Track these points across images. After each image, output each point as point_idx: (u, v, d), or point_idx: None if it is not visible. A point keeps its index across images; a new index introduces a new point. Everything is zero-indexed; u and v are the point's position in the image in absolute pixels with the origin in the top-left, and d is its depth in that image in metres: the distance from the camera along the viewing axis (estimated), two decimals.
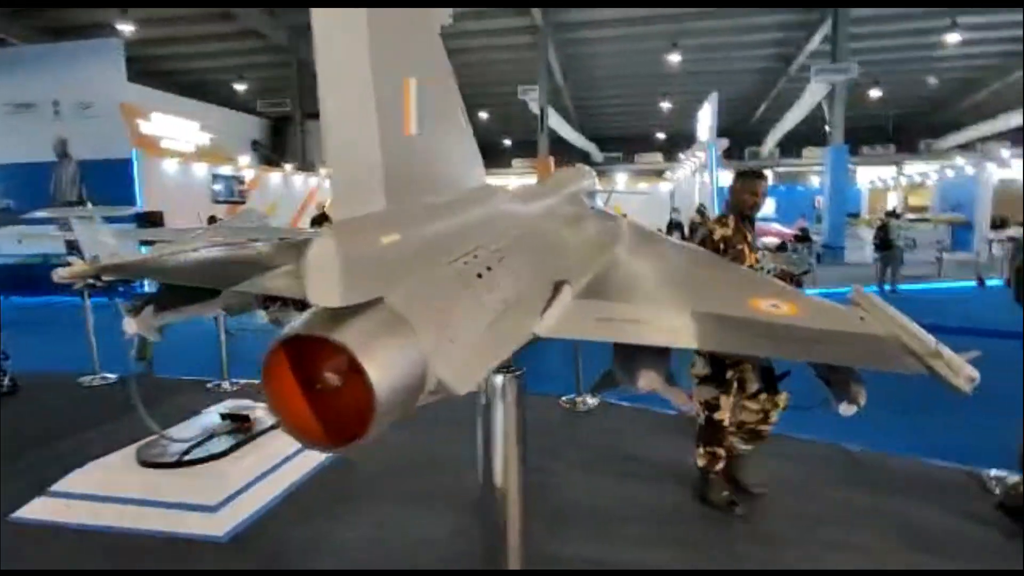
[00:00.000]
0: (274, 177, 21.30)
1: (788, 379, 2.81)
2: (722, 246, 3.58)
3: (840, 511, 3.68)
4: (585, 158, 32.99)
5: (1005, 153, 21.59)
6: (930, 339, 1.10)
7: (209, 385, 6.40)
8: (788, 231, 17.90)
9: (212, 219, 10.39)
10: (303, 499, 3.98)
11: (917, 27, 19.62)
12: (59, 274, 1.91)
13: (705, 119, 15.72)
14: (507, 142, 36.44)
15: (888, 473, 4.22)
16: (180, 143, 15.36)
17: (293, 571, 3.44)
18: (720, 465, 3.73)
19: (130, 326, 1.83)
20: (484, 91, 27.30)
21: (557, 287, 1.27)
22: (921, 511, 3.64)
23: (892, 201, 29.66)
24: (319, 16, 0.87)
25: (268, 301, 2.02)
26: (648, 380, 1.35)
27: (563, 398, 5.94)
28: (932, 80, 24.82)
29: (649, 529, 3.56)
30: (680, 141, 32.05)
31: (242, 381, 6.42)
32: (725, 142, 17.24)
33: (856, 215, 24.18)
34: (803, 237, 21.20)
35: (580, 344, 5.86)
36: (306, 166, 24.15)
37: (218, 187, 16.87)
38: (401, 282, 0.91)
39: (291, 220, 19.08)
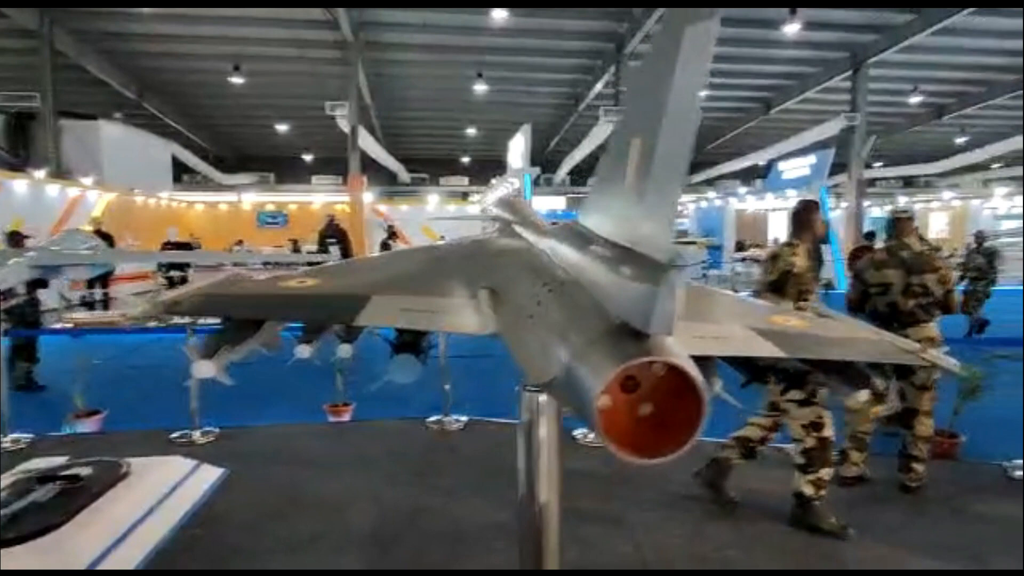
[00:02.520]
0: (17, 185, 17.50)
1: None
2: (800, 275, 3.74)
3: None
4: (392, 178, 32.94)
5: (741, 190, 26.74)
6: (910, 342, 1.51)
7: (174, 435, 5.52)
8: None
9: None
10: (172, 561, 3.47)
11: None
12: (129, 316, 1.52)
13: (517, 148, 16.86)
14: (307, 157, 34.77)
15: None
16: None
17: (294, 571, 3.40)
18: (824, 491, 3.68)
19: (204, 370, 1.53)
20: (286, 103, 25.83)
21: None
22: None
23: None
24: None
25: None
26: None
27: (430, 419, 5.96)
28: None
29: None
30: (486, 166, 33.73)
31: (215, 430, 5.61)
32: (537, 170, 18.65)
33: None
34: None
35: (447, 365, 5.97)
36: (62, 173, 20.26)
37: None
38: None
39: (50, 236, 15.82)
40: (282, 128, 29.27)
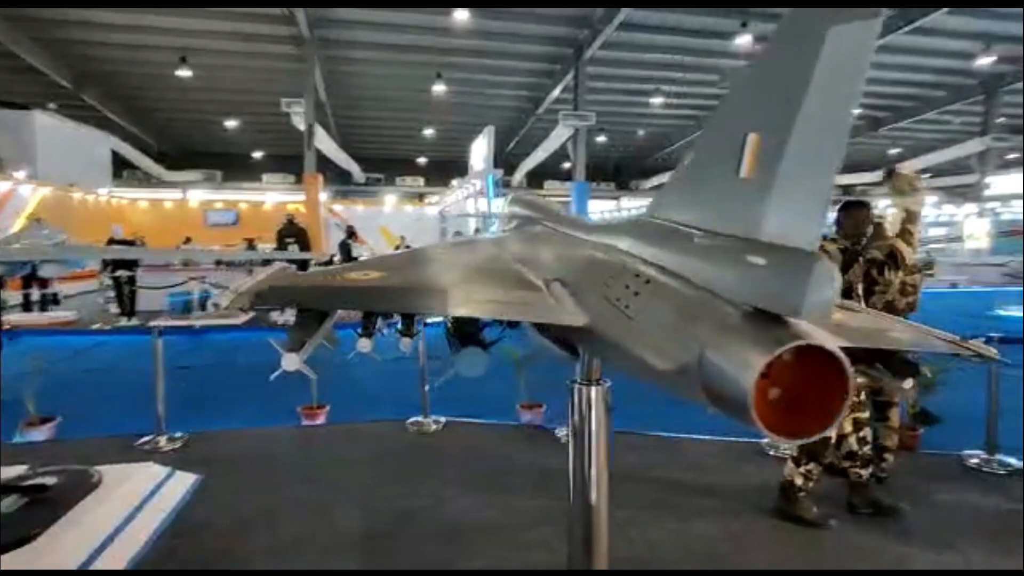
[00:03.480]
0: None
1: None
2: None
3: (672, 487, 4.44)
4: (347, 178, 32.34)
5: None
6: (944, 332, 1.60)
7: (140, 442, 5.25)
8: None
9: None
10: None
11: (633, 88, 23.95)
12: (219, 305, 1.41)
13: (480, 149, 16.86)
14: (257, 155, 33.75)
15: (695, 450, 5.20)
16: None
17: (293, 571, 3.35)
18: (812, 484, 3.80)
19: (291, 363, 1.45)
20: (236, 98, 24.99)
21: None
22: (724, 476, 4.61)
23: None
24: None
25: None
26: None
27: (409, 420, 5.89)
28: (641, 132, 30.46)
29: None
30: (444, 167, 33.58)
31: (182, 435, 5.36)
32: (500, 172, 18.69)
33: None
34: None
35: (426, 366, 5.91)
36: None
37: None
38: None
39: None
40: (231, 124, 28.29)
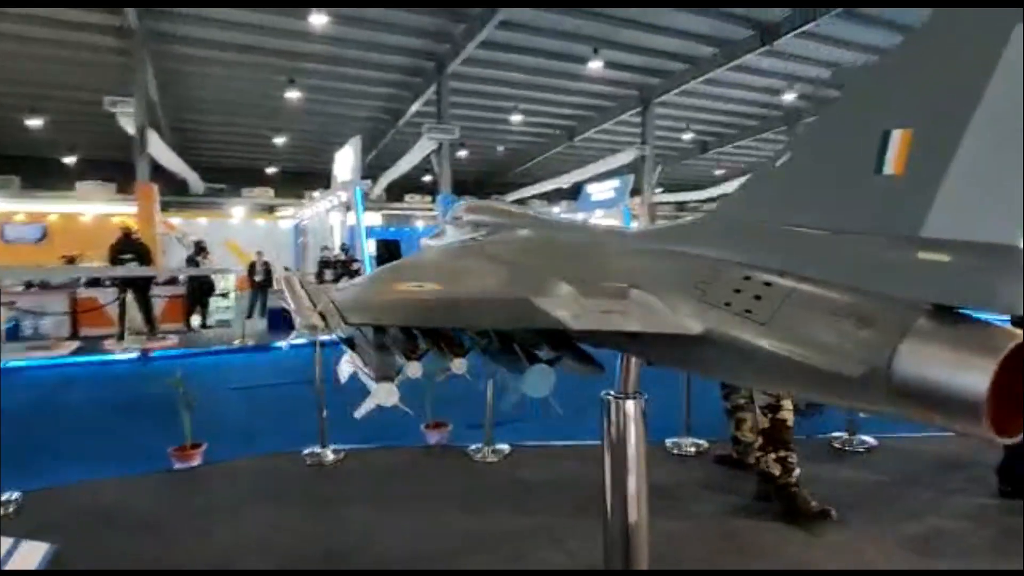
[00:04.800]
0: None
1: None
2: None
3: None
4: (183, 188, 29.17)
5: (556, 209, 28.77)
6: None
7: None
8: None
9: None
10: None
11: (493, 104, 24.49)
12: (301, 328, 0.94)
13: (346, 160, 16.07)
14: (69, 159, 29.25)
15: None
16: None
17: (292, 571, 3.32)
18: (797, 473, 3.75)
19: (388, 396, 1.07)
20: (42, 92, 21.48)
21: None
22: None
23: None
24: None
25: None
26: None
27: (305, 452, 5.36)
28: (501, 148, 31.23)
29: None
30: (298, 178, 31.61)
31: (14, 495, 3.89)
32: (368, 183, 17.96)
33: None
34: None
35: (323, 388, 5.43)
36: None
37: None
38: None
39: None
40: (35, 123, 24.20)
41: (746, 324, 1.28)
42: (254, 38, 17.83)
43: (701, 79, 21.55)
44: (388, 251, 18.55)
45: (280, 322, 13.88)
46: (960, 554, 3.58)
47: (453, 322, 1.65)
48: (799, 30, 17.71)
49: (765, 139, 29.74)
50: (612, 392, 1.91)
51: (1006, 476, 4.40)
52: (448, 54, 19.55)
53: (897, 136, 1.13)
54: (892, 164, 1.14)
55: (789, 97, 23.71)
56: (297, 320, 1.60)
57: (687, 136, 29.03)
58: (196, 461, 5.17)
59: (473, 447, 5.39)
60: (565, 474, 4.87)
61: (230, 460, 5.24)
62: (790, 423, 3.98)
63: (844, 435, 5.48)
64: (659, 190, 36.38)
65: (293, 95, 21.26)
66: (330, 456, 5.29)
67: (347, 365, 1.91)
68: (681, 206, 36.47)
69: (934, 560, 3.52)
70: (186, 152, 26.63)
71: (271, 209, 31.23)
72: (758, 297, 1.29)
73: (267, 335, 12.84)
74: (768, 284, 1.31)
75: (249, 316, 14.20)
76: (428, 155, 22.14)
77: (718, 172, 35.73)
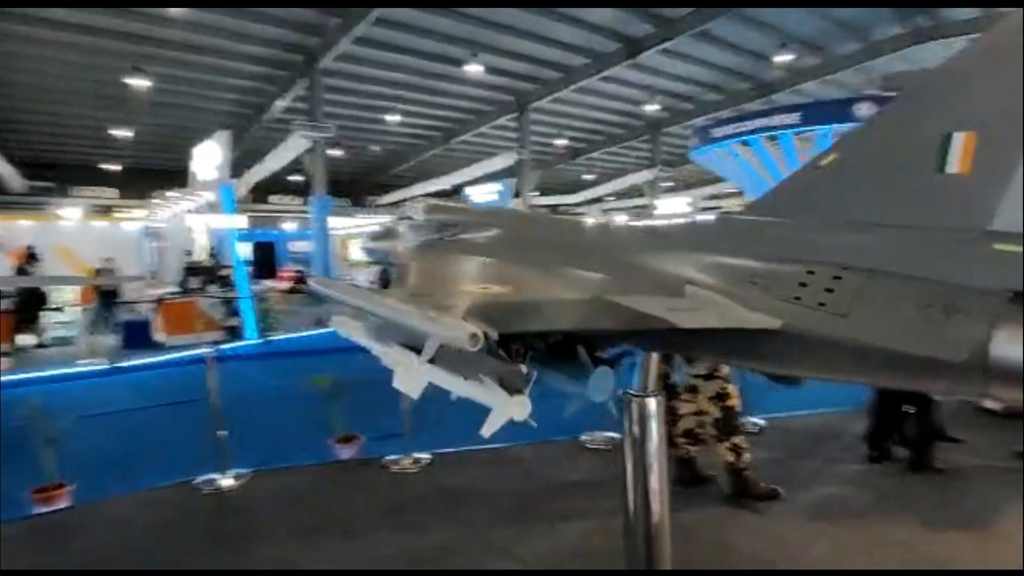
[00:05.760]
0: None
1: None
2: None
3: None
4: None
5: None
6: None
7: None
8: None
9: None
10: None
11: (369, 103, 23.73)
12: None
13: (210, 157, 14.63)
14: None
15: (527, 455, 5.34)
16: None
17: (293, 571, 3.29)
18: (747, 457, 3.86)
19: (523, 408, 0.83)
20: None
21: None
22: (569, 473, 4.86)
23: (355, 247, 34.45)
24: None
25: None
26: None
27: (198, 480, 4.81)
28: (376, 148, 30.34)
29: None
30: (145, 176, 28.34)
31: None
32: (236, 182, 16.50)
33: None
34: (301, 279, 22.35)
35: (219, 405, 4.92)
36: None
37: None
38: None
39: None
40: None
41: (825, 317, 1.32)
42: (93, 17, 15.72)
43: (573, 87, 22.52)
44: (264, 255, 17.32)
45: (137, 337, 12.39)
46: (854, 516, 4.05)
47: (561, 326, 1.54)
48: (660, 46, 19.11)
49: (630, 146, 31.76)
50: (632, 390, 1.89)
51: (874, 444, 5.06)
52: (320, 48, 18.63)
53: (960, 138, 1.24)
54: (957, 164, 1.24)
55: (651, 108, 25.48)
56: (439, 332, 1.39)
57: (561, 142, 30.16)
58: (63, 503, 4.42)
59: (391, 458, 5.16)
60: (493, 479, 4.82)
61: (106, 499, 4.55)
62: (739, 408, 4.19)
63: (754, 422, 5.95)
64: (535, 193, 37.57)
65: (139, 84, 19.07)
66: (229, 482, 4.79)
67: (405, 375, 1.66)
68: (554, 209, 37.81)
69: (836, 523, 3.94)
70: (5, 145, 22.91)
71: (109, 210, 27.73)
72: (829, 290, 1.34)
73: (120, 353, 11.33)
74: (838, 277, 1.36)
75: (95, 332, 12.48)
76: (301, 154, 20.93)
77: (588, 176, 37.52)
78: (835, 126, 17.79)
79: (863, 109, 17.23)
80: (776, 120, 18.46)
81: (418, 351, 1.78)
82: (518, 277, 1.84)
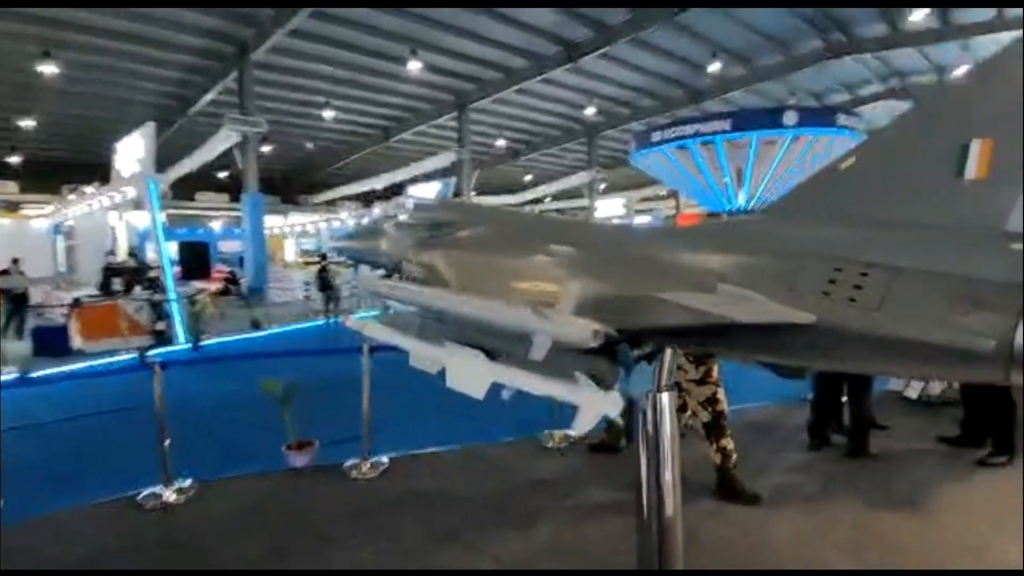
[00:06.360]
0: None
1: None
2: None
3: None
4: None
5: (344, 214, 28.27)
6: None
7: None
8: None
9: None
10: None
11: (304, 98, 22.97)
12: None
13: (133, 150, 13.70)
14: None
15: (494, 453, 5.33)
16: None
17: (293, 571, 3.26)
18: (734, 458, 4.04)
19: (615, 404, 0.74)
20: None
21: None
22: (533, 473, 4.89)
23: (290, 247, 33.29)
24: None
25: None
26: None
27: (141, 495, 4.51)
28: (309, 145, 29.40)
29: None
30: (58, 170, 26.26)
31: None
32: (162, 177, 15.53)
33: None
34: (232, 280, 21.35)
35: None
36: None
37: None
38: None
39: None
40: None
41: (858, 311, 1.38)
42: None
43: (513, 89, 22.65)
44: (196, 256, 16.48)
45: (51, 344, 11.44)
46: (805, 501, 4.28)
47: (666, 322, 1.53)
48: (598, 51, 19.53)
49: (568, 148, 32.27)
50: (648, 388, 1.90)
51: (815, 434, 5.37)
52: (253, 39, 17.87)
53: (977, 145, 1.33)
54: (975, 169, 1.33)
55: (589, 111, 26.00)
56: (554, 330, 1.33)
57: (500, 142, 30.26)
58: None
59: (349, 463, 5.01)
60: (457, 480, 4.76)
61: (34, 517, 4.18)
62: (727, 411, 4.35)
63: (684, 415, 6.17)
64: (474, 193, 37.50)
65: (48, 70, 17.63)
66: (175, 496, 4.50)
67: (466, 375, 1.59)
68: None
69: (790, 508, 4.14)
70: None
71: (15, 207, 25.57)
72: (858, 287, 1.40)
73: (32, 361, 10.42)
74: (865, 274, 1.43)
75: (3, 339, 11.47)
76: (229, 149, 19.98)
77: (527, 177, 37.84)
78: (761, 133, 18.84)
79: (791, 118, 18.33)
80: (710, 126, 19.25)
81: (483, 350, 1.78)
82: (609, 273, 1.84)
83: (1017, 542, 3.56)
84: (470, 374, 1.85)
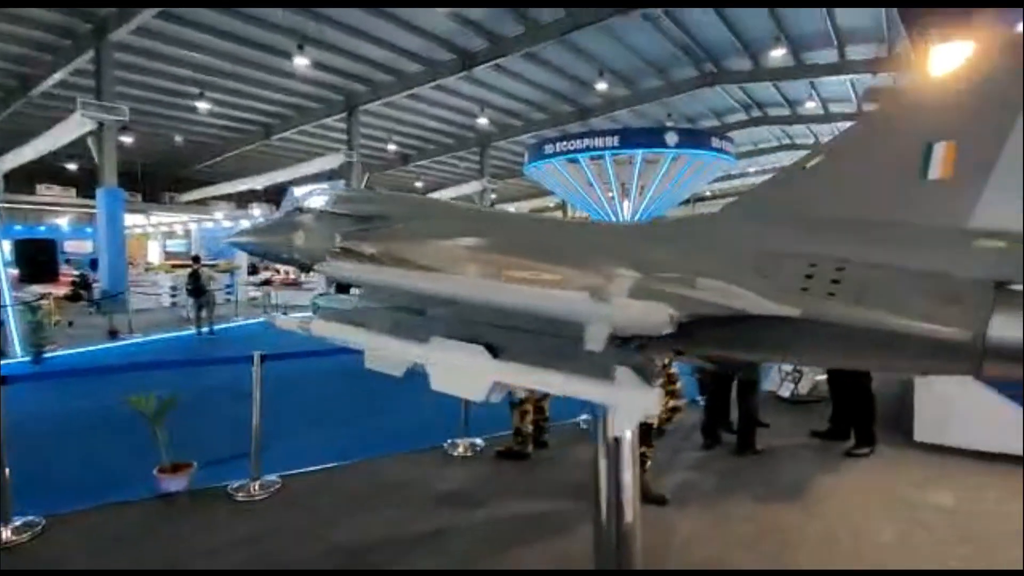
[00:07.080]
0: None
1: None
2: None
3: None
4: None
5: (256, 212, 26.04)
6: None
7: None
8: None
9: None
10: None
11: (174, 87, 21.01)
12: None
13: None
14: None
15: (394, 466, 5.06)
16: None
17: (293, 571, 3.05)
18: (648, 464, 4.33)
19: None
20: None
21: None
22: (424, 480, 4.71)
23: (153, 248, 30.14)
24: None
25: None
26: None
27: None
28: (179, 138, 26.91)
29: None
30: None
31: None
32: None
33: None
34: (83, 284, 18.94)
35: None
36: None
37: None
38: None
39: None
40: None
41: (840, 304, 1.37)
42: None
43: (405, 93, 22.24)
44: (39, 256, 14.40)
45: None
46: (703, 497, 4.47)
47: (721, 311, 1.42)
48: (492, 62, 19.74)
49: (460, 156, 32.23)
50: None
51: (708, 433, 5.66)
52: (113, 18, 16.07)
53: (941, 147, 1.38)
54: (939, 169, 1.38)
55: (482, 121, 26.17)
56: (620, 316, 1.12)
57: (391, 147, 29.59)
58: None
59: (234, 485, 4.52)
60: (358, 497, 4.45)
61: None
62: (654, 425, 4.39)
63: (589, 418, 6.27)
64: None
65: None
66: (15, 536, 3.79)
67: (461, 375, 1.39)
68: None
69: (691, 505, 4.30)
70: None
71: None
72: (836, 281, 1.40)
73: None
74: (841, 268, 1.43)
75: None
76: (82, 138, 17.78)
77: (419, 184, 37.30)
78: (646, 151, 20.04)
79: (672, 138, 19.75)
80: (599, 141, 20.13)
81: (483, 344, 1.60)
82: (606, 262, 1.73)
83: (888, 525, 3.94)
84: (465, 373, 1.66)
